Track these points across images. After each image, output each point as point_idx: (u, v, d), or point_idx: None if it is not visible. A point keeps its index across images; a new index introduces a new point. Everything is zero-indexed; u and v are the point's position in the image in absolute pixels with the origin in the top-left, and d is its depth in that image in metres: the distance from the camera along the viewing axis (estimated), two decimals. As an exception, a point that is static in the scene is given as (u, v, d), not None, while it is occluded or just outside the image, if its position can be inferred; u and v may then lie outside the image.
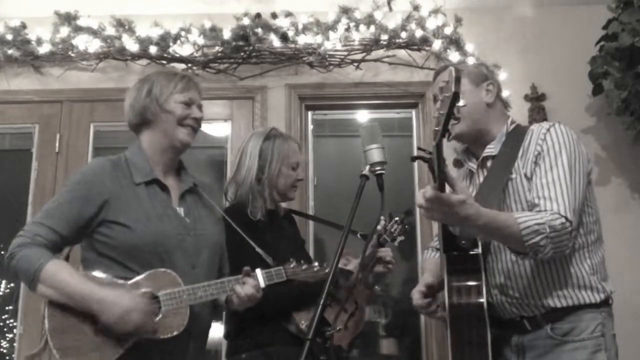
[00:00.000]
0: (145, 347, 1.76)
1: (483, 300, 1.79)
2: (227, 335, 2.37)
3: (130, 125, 2.08)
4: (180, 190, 2.04)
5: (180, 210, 2.00)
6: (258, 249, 2.05)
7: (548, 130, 1.87)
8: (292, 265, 2.01)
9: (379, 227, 2.49)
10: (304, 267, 2.03)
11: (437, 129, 1.42)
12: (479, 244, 1.85)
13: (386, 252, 2.45)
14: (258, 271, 1.95)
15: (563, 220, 1.71)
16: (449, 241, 1.84)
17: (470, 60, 3.43)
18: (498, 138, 1.97)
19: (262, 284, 1.93)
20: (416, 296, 1.99)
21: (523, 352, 1.87)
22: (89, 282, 1.78)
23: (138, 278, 1.82)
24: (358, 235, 2.32)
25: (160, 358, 1.81)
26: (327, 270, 2.02)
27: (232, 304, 1.95)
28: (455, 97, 1.33)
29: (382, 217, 2.50)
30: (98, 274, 1.83)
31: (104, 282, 1.80)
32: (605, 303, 1.87)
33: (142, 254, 1.85)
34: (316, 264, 2.06)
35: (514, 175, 1.87)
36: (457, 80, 1.33)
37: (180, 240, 1.93)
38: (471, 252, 1.84)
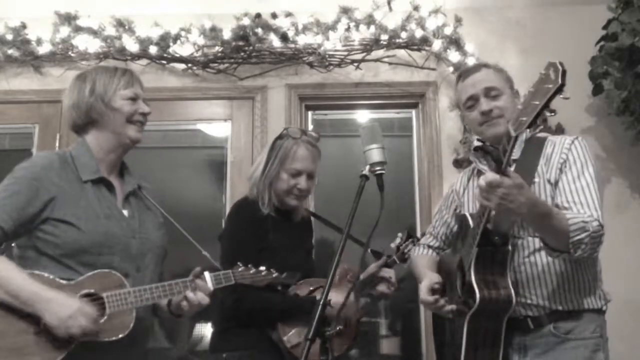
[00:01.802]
0: (87, 351, 1.70)
1: (512, 294, 1.82)
2: (213, 331, 2.40)
3: (74, 126, 1.99)
4: (125, 191, 1.97)
5: (125, 212, 1.94)
6: (204, 252, 2.00)
7: (573, 142, 1.96)
8: (240, 269, 1.95)
9: (392, 245, 2.46)
10: (252, 271, 1.97)
11: (523, 119, 1.46)
12: (510, 241, 1.88)
13: (390, 273, 2.44)
14: (207, 274, 1.89)
15: (598, 223, 1.76)
16: (482, 236, 1.84)
17: (471, 61, 3.44)
18: (518, 143, 1.99)
19: (211, 287, 1.88)
20: (425, 291, 1.99)
21: (525, 350, 1.89)
22: (35, 281, 1.70)
23: (82, 278, 1.76)
24: (369, 251, 2.29)
25: None
26: (274, 275, 2.01)
27: (179, 309, 1.89)
28: (561, 88, 1.39)
29: (399, 234, 2.48)
30: (40, 273, 1.74)
31: (47, 282, 1.72)
32: (602, 309, 1.93)
33: (87, 254, 1.78)
34: (263, 268, 2.00)
35: (537, 180, 1.92)
36: (564, 74, 1.39)
37: (126, 242, 1.87)
38: (503, 249, 1.87)
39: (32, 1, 3.61)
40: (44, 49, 3.60)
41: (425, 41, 3.55)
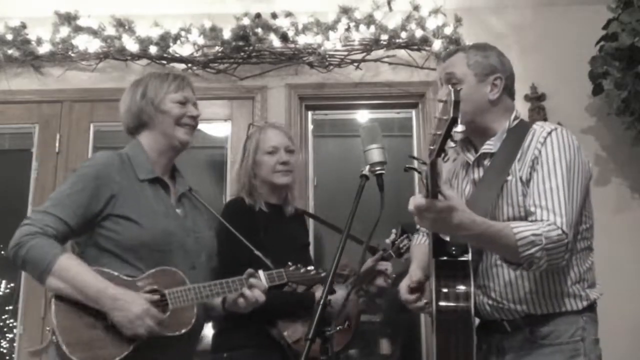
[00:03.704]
0: (151, 345, 1.75)
1: (471, 307, 1.74)
2: (214, 329, 2.41)
3: (128, 129, 2.07)
4: (177, 192, 2.04)
5: (179, 212, 2.01)
6: (257, 252, 2.04)
7: (549, 134, 1.79)
8: (291, 268, 2.02)
9: (387, 241, 2.47)
10: (302, 270, 2.04)
11: (432, 147, 1.38)
12: (469, 250, 1.81)
13: (386, 265, 2.44)
14: (261, 272, 1.95)
15: (560, 232, 1.65)
16: (439, 246, 1.80)
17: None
18: (499, 134, 1.89)
19: (265, 285, 1.94)
20: (404, 291, 1.95)
21: (503, 353, 1.83)
22: (103, 279, 1.76)
23: (144, 275, 1.82)
24: (364, 246, 2.29)
25: (164, 356, 1.80)
26: (322, 275, 2.06)
27: (235, 305, 1.94)
28: (454, 122, 1.29)
29: (393, 230, 2.48)
30: (105, 270, 1.79)
31: (113, 279, 1.77)
32: (589, 308, 1.81)
33: (147, 250, 1.84)
34: (311, 268, 2.06)
35: (509, 177, 1.80)
36: (456, 105, 1.28)
37: (182, 240, 1.93)
38: (461, 259, 1.79)
39: (32, 1, 3.61)
40: (44, 49, 3.60)
41: (425, 41, 3.55)
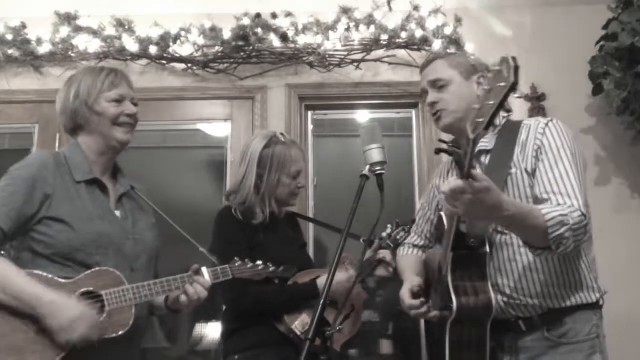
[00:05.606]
0: (86, 348, 1.70)
1: (492, 300, 1.74)
2: (222, 335, 2.40)
3: (65, 130, 2.00)
4: (117, 193, 1.98)
5: (118, 214, 1.94)
6: (202, 249, 2.01)
7: (547, 125, 1.84)
8: (237, 264, 1.97)
9: (383, 234, 2.48)
10: (249, 265, 1.99)
11: (480, 120, 1.33)
12: (487, 243, 1.80)
13: (385, 254, 2.45)
14: (204, 269, 1.91)
15: (580, 213, 1.67)
16: (458, 239, 1.77)
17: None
18: (490, 133, 1.92)
19: (209, 282, 1.90)
20: (406, 297, 1.94)
21: (517, 353, 1.82)
22: (37, 283, 1.70)
23: (81, 276, 1.76)
24: (361, 240, 2.31)
25: (101, 358, 1.74)
26: (271, 269, 2.03)
27: (177, 303, 1.90)
28: (513, 87, 1.25)
29: (389, 225, 2.49)
30: (39, 272, 1.74)
31: (48, 282, 1.72)
32: (598, 303, 1.83)
33: (81, 254, 1.79)
34: (260, 262, 2.02)
35: (513, 170, 1.82)
36: (516, 70, 1.25)
37: (120, 243, 1.87)
38: (479, 251, 1.78)
39: (32, 1, 3.61)
40: (44, 49, 3.60)
41: (425, 41, 3.55)
